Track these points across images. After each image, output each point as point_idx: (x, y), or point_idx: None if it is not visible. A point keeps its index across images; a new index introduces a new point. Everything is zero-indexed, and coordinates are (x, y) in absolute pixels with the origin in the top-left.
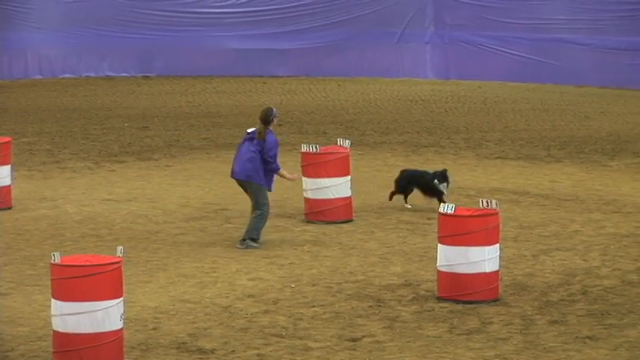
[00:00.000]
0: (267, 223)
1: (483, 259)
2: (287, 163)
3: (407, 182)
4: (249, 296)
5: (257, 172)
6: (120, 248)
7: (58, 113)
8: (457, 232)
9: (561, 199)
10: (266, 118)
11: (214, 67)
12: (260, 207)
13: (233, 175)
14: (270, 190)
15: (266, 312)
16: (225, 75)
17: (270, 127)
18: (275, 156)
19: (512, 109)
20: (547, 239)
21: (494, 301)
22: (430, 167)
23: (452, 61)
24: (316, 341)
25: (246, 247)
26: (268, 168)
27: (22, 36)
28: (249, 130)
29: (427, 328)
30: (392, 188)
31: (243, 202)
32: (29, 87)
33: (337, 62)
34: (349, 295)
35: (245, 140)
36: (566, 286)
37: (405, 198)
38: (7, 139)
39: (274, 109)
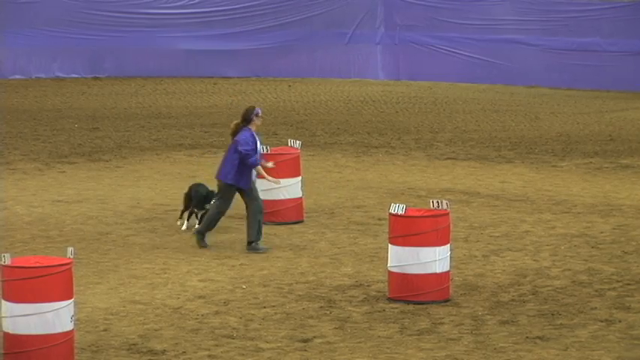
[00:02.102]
0: (218, 223)
1: (434, 259)
2: None
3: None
4: (200, 297)
5: (230, 173)
6: (70, 249)
7: (7, 114)
8: (408, 232)
9: (512, 200)
10: (245, 116)
11: (164, 68)
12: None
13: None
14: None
15: (217, 313)
16: (176, 76)
17: (250, 126)
18: (248, 151)
19: (463, 110)
20: (497, 240)
21: (445, 301)
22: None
23: (402, 61)
24: (267, 342)
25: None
26: (246, 164)
27: None
28: None
29: (378, 328)
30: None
31: None
32: None
33: (288, 63)
34: (300, 295)
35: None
36: (517, 287)
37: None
38: None
39: (257, 109)
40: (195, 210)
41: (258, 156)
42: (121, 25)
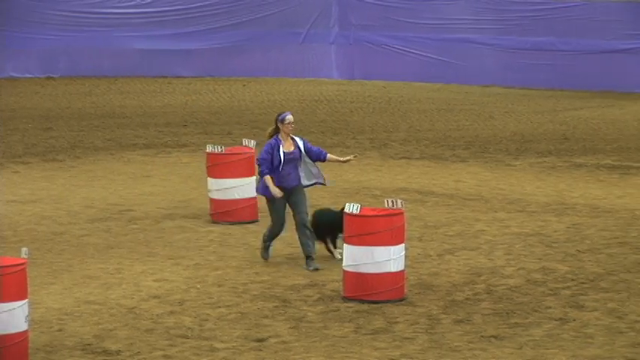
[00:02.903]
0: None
1: (389, 258)
2: (192, 164)
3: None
4: (155, 297)
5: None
6: (24, 250)
7: None
8: (363, 232)
9: (466, 199)
10: (275, 123)
11: (118, 67)
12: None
13: None
14: (258, 193)
15: (171, 313)
16: (130, 76)
17: (279, 135)
18: (260, 160)
19: (417, 109)
20: (452, 239)
21: (400, 300)
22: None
23: (357, 61)
24: (222, 342)
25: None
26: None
27: None
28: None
29: (333, 328)
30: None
31: (147, 203)
32: None
33: (242, 63)
34: (255, 295)
35: None
36: (471, 286)
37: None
38: None
39: (283, 114)
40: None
41: (264, 167)
42: (75, 25)
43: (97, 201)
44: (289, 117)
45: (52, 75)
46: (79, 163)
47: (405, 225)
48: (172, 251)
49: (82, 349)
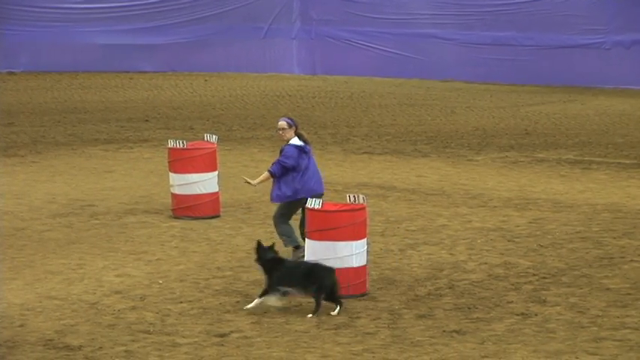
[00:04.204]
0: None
1: (351, 253)
2: (154, 159)
3: None
4: (117, 292)
5: None
6: None
7: None
8: (324, 226)
9: (428, 194)
10: None
11: (80, 62)
12: None
13: (319, 192)
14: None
15: (133, 308)
16: (91, 70)
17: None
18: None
19: (379, 104)
20: (414, 234)
21: (362, 295)
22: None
23: (318, 56)
24: (184, 337)
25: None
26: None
27: None
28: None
29: (295, 323)
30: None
31: (109, 198)
32: None
33: (204, 57)
34: (217, 290)
35: (309, 153)
36: (434, 280)
37: None
38: None
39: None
40: None
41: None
42: (36, 20)
43: (58, 196)
44: (279, 123)
45: (13, 70)
46: (41, 159)
47: (367, 220)
48: (134, 246)
49: (44, 345)
